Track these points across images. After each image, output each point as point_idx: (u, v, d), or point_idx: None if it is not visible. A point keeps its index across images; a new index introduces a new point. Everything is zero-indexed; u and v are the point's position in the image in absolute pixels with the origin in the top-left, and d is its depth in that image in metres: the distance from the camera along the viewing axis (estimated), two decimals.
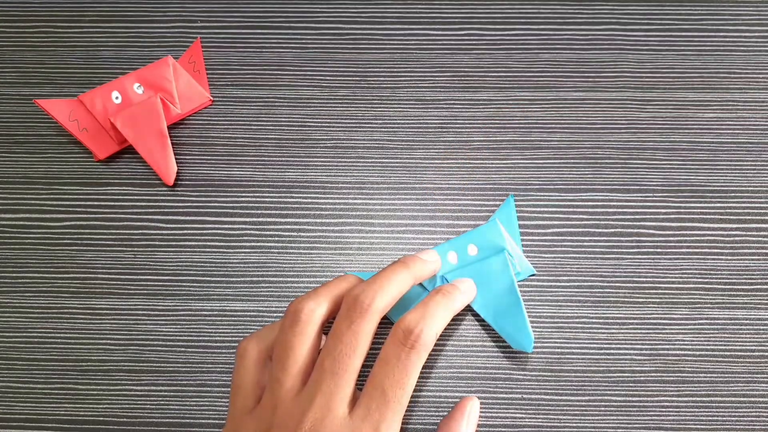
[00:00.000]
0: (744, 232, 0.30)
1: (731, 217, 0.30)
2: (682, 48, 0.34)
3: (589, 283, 0.29)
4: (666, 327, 0.29)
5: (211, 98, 0.34)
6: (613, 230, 0.30)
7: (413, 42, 0.35)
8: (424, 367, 0.28)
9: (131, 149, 0.32)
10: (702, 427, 0.27)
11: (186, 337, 0.29)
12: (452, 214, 0.31)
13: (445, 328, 0.28)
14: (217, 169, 0.32)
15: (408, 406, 0.26)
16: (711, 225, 0.30)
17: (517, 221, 0.30)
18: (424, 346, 0.22)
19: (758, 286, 0.29)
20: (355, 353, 0.21)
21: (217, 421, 0.28)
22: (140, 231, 0.31)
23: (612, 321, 0.29)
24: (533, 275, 0.30)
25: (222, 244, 0.31)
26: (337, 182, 0.32)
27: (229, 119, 0.33)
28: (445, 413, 0.27)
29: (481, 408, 0.27)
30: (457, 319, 0.29)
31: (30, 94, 0.34)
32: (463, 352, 0.28)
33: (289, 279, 0.30)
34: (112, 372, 0.29)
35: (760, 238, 0.30)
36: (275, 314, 0.30)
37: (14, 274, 0.31)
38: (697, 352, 0.28)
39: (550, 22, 0.35)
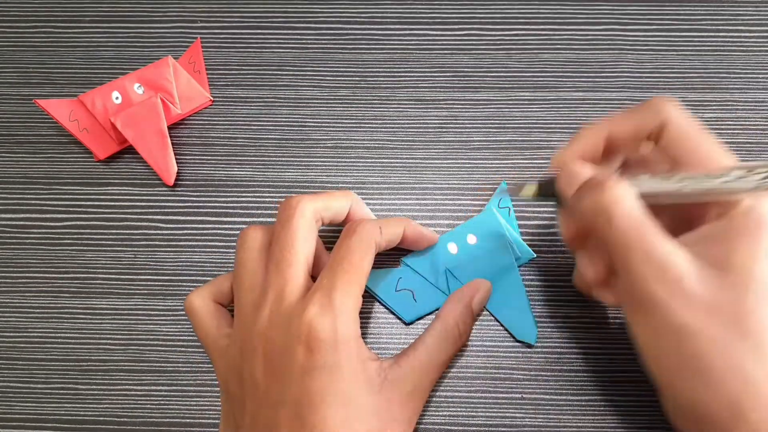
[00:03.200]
0: None
1: None
2: (682, 48, 0.34)
3: None
4: None
5: (211, 98, 0.34)
6: None
7: (413, 42, 0.35)
8: None
9: (131, 149, 0.32)
10: None
11: (186, 337, 0.29)
12: (452, 214, 0.31)
13: None
14: (217, 169, 0.32)
15: None
16: None
17: (512, 207, 0.30)
18: (363, 230, 0.23)
19: None
20: (294, 248, 0.22)
21: (217, 421, 0.28)
22: (140, 231, 0.31)
23: (612, 321, 0.29)
24: (533, 259, 0.29)
25: (222, 244, 0.31)
26: (337, 182, 0.32)
27: (229, 119, 0.33)
28: (446, 413, 0.27)
29: (481, 408, 0.27)
30: None
31: (30, 94, 0.34)
32: (463, 352, 0.28)
33: None
34: (113, 372, 0.29)
35: None
36: None
37: (14, 274, 0.31)
38: None
39: (550, 22, 0.35)
